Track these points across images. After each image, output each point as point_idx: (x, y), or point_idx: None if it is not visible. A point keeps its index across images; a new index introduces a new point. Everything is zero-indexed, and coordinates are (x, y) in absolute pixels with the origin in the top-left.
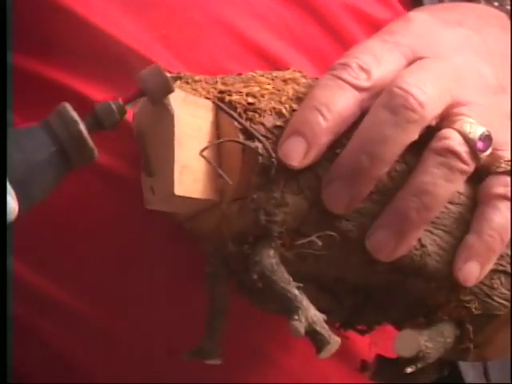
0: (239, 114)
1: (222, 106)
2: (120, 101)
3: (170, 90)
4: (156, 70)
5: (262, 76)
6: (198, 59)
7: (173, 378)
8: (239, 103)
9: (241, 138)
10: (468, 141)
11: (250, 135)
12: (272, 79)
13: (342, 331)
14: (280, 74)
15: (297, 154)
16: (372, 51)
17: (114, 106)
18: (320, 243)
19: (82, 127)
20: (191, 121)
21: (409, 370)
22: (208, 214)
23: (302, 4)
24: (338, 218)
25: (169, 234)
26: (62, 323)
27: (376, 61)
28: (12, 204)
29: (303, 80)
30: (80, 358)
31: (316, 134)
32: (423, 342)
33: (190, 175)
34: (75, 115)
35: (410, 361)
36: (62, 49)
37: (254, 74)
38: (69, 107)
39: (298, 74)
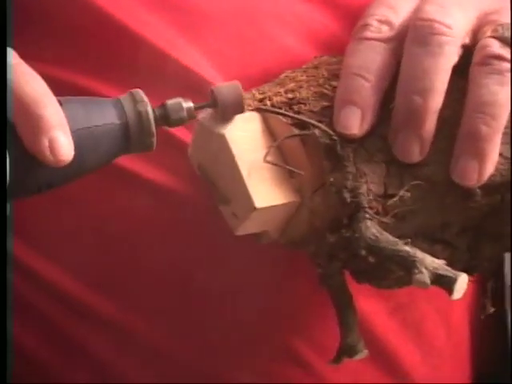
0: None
1: (267, 108)
2: (191, 103)
3: (242, 110)
4: (234, 86)
5: (294, 72)
6: (243, 74)
7: (188, 374)
8: (281, 102)
9: (296, 131)
10: (505, 40)
11: (303, 126)
12: (304, 71)
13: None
14: (309, 64)
15: (354, 122)
16: (385, 3)
17: (184, 105)
18: (409, 195)
19: (150, 109)
20: (244, 136)
21: None
22: (296, 217)
23: (342, 13)
24: (418, 167)
25: (222, 248)
26: (78, 317)
27: (392, 10)
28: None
29: (333, 59)
30: (88, 349)
31: (364, 97)
32: None
33: (263, 185)
34: (145, 98)
35: None
36: (109, 62)
37: (286, 74)
38: (141, 92)
39: (325, 57)
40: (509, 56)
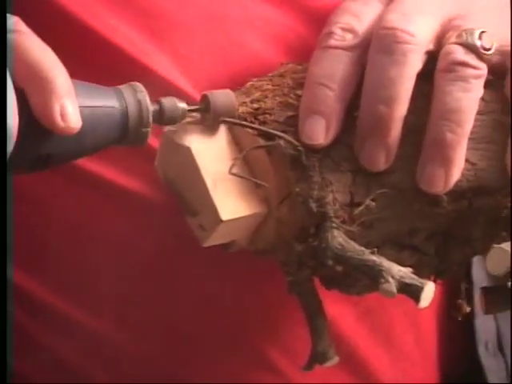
0: (251, 122)
1: (232, 121)
2: (185, 105)
3: (234, 115)
4: (227, 94)
5: (260, 81)
6: (211, 80)
7: (159, 380)
8: (247, 112)
9: (261, 142)
10: (469, 47)
11: (268, 136)
12: (270, 79)
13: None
14: (275, 72)
15: (319, 131)
16: (349, 11)
17: (178, 104)
18: (374, 203)
19: (148, 100)
20: (209, 147)
21: (510, 284)
22: (263, 227)
23: (312, 20)
24: (384, 175)
25: (192, 252)
26: (62, 330)
27: (355, 18)
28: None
29: (298, 67)
30: (81, 364)
31: (329, 107)
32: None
33: (229, 197)
34: (144, 89)
35: (508, 275)
36: (79, 65)
37: (251, 83)
38: (141, 85)
39: (291, 65)
40: (473, 62)
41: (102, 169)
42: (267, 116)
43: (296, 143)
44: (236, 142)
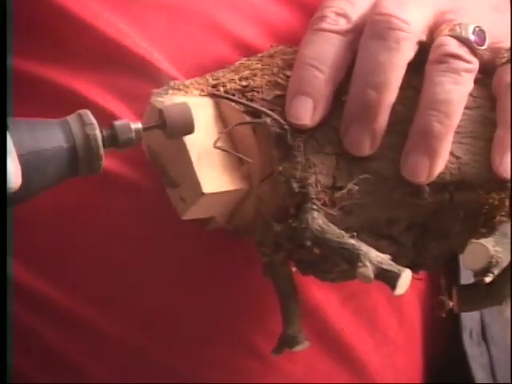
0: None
1: (220, 94)
2: (139, 125)
3: (192, 131)
4: (183, 107)
5: (249, 60)
6: (196, 63)
7: (145, 365)
8: (235, 89)
9: (247, 119)
10: (463, 40)
11: (255, 114)
12: (259, 59)
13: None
14: (265, 52)
15: (305, 112)
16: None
17: (132, 127)
18: (357, 188)
19: (98, 133)
20: (195, 121)
21: (487, 279)
22: (243, 204)
23: (298, 5)
24: (367, 161)
25: (178, 238)
26: (63, 325)
27: (349, 3)
28: (13, 168)
29: (289, 49)
30: (81, 360)
31: (317, 88)
32: (492, 248)
33: (212, 171)
34: (94, 120)
35: (485, 270)
36: (65, 52)
37: (241, 62)
38: (89, 113)
39: (281, 47)
40: (466, 56)
41: (117, 166)
42: (255, 94)
43: (282, 122)
44: (222, 118)
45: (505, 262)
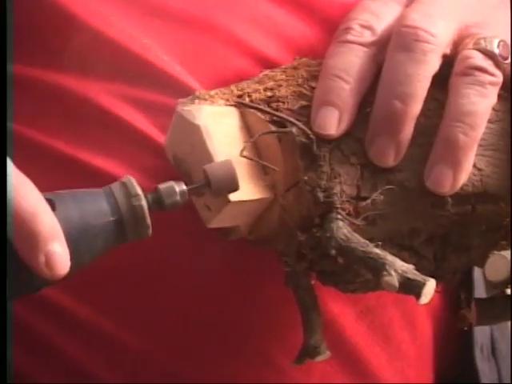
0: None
1: (247, 103)
2: (184, 186)
3: (236, 188)
4: (226, 164)
5: (273, 71)
6: (216, 77)
7: (158, 374)
8: (260, 99)
9: (273, 129)
10: (488, 53)
11: (280, 123)
12: (283, 71)
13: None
14: (289, 64)
15: (331, 122)
16: (368, 9)
17: (177, 190)
18: (382, 198)
19: (144, 203)
20: (221, 129)
21: (509, 291)
22: (267, 214)
23: (308, 12)
24: (391, 172)
25: (198, 249)
26: (65, 326)
27: (375, 16)
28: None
29: (313, 62)
30: (83, 361)
31: (343, 99)
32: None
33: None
34: (139, 190)
35: (507, 282)
36: (83, 61)
37: (265, 73)
38: (134, 181)
39: (305, 59)
40: (491, 69)
41: (105, 163)
42: (280, 104)
43: (308, 131)
44: (247, 128)
45: None
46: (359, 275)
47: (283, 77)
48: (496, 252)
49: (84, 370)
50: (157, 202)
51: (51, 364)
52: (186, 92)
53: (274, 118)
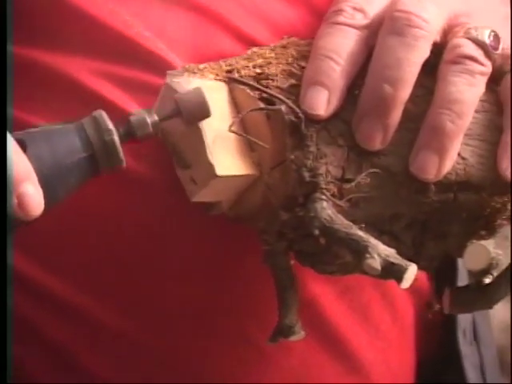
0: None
1: (238, 79)
2: (155, 116)
3: (208, 115)
4: (197, 92)
5: (262, 49)
6: (189, 49)
7: (173, 377)
8: (249, 76)
9: (262, 106)
10: (478, 43)
11: (269, 101)
12: (272, 49)
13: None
14: (277, 43)
15: (320, 102)
16: None
17: (148, 120)
18: (366, 181)
19: (116, 137)
20: (211, 103)
21: (487, 280)
22: (251, 191)
23: (301, 3)
24: (377, 156)
25: (178, 230)
26: (64, 320)
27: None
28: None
29: (301, 41)
30: (83, 357)
31: (333, 80)
32: (493, 250)
33: (225, 155)
34: (110, 124)
35: (485, 272)
36: (64, 39)
37: (253, 50)
38: (105, 115)
39: (294, 39)
40: (481, 58)
41: None
42: (270, 81)
43: (297, 110)
44: (235, 103)
45: (504, 265)
46: (338, 257)
47: (272, 55)
48: (476, 241)
49: (67, 351)
50: (129, 134)
51: (31, 345)
52: (167, 69)
53: (264, 95)
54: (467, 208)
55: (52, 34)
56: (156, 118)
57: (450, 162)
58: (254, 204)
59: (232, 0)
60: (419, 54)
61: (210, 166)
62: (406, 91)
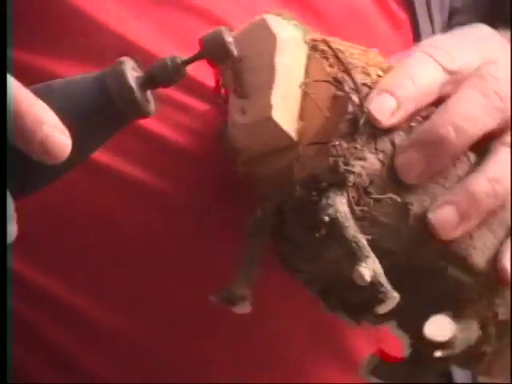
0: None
1: (331, 46)
2: (177, 59)
3: (230, 55)
4: (218, 34)
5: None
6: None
7: (173, 377)
8: (341, 51)
9: (332, 87)
10: None
11: (339, 84)
12: (361, 49)
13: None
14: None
15: (386, 110)
16: (450, 43)
17: (169, 63)
18: (383, 204)
19: (137, 94)
20: (292, 52)
21: (437, 354)
22: (277, 154)
23: (307, 9)
24: (403, 188)
25: (183, 233)
26: (63, 321)
27: (459, 50)
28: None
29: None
30: (83, 357)
31: (406, 97)
32: (458, 331)
33: (282, 106)
34: (131, 79)
35: (441, 347)
36: (63, 43)
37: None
38: (126, 64)
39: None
40: None
41: (108, 157)
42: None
43: (366, 106)
44: (307, 71)
45: (458, 350)
46: (318, 257)
47: (359, 51)
48: (446, 315)
49: (66, 351)
50: (152, 82)
51: (31, 346)
52: None
53: (339, 75)
54: (449, 284)
55: (50, 38)
56: (178, 60)
57: (465, 230)
58: (274, 168)
59: (230, 1)
60: (491, 121)
61: (269, 106)
62: (464, 146)
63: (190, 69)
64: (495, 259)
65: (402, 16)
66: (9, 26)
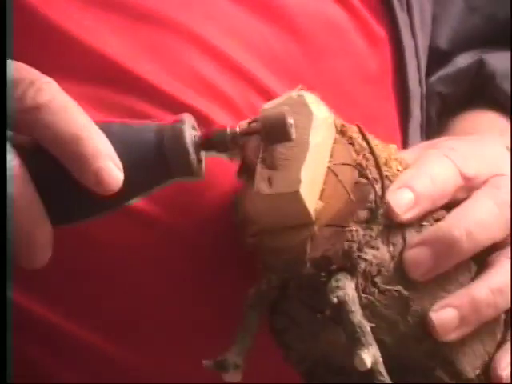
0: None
1: (364, 132)
2: (237, 131)
3: (288, 139)
4: (280, 116)
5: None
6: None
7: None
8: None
9: (356, 173)
10: None
11: (362, 170)
12: (383, 144)
13: None
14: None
15: (404, 205)
16: (467, 149)
17: (229, 133)
18: (386, 298)
19: (191, 147)
20: (322, 133)
21: None
22: (293, 230)
23: (283, 24)
24: (406, 283)
25: (180, 261)
26: (55, 347)
27: (474, 157)
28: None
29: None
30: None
31: (423, 195)
32: None
33: (309, 183)
34: (188, 142)
35: None
36: (47, 63)
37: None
38: (186, 123)
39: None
40: None
41: None
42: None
43: (386, 200)
44: (332, 154)
45: None
46: (315, 338)
47: (379, 143)
48: None
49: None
50: (208, 147)
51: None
52: (152, 93)
53: (363, 162)
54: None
55: (27, 53)
56: (237, 131)
57: (461, 334)
58: (287, 243)
59: (205, 16)
60: (500, 234)
61: (298, 181)
62: (472, 252)
63: None
64: (492, 367)
65: (381, 33)
66: (9, 27)
